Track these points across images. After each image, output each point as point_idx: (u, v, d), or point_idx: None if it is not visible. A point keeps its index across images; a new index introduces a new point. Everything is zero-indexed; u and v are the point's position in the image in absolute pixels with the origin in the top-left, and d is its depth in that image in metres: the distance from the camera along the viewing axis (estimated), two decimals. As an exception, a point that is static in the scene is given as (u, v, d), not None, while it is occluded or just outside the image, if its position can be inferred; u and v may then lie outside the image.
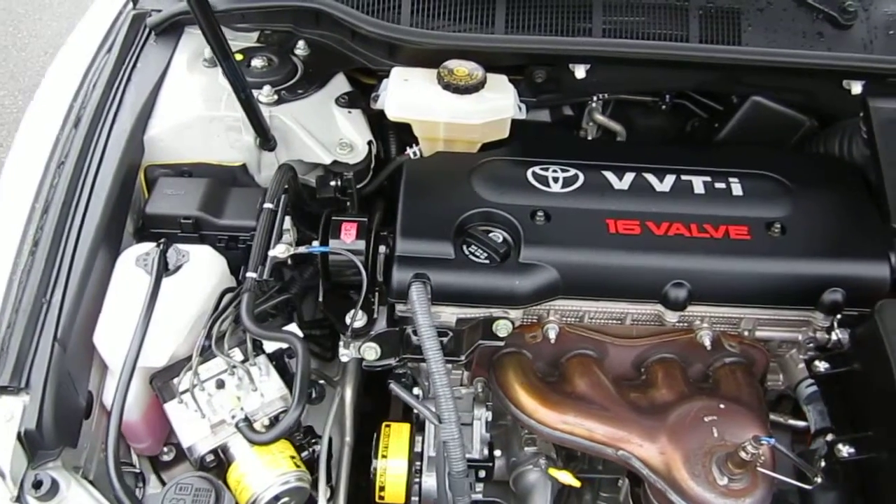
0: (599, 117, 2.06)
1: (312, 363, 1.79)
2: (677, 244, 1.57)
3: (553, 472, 1.52)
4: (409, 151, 1.78)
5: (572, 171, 1.67)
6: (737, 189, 1.66)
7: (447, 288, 1.52)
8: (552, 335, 1.59)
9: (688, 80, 1.89)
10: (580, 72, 1.79)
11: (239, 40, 1.85)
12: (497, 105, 1.68)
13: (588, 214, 1.60)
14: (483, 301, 1.54)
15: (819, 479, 1.39)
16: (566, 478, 1.51)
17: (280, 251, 1.47)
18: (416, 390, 1.70)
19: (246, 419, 1.39)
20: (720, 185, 1.67)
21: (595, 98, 2.00)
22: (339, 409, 1.73)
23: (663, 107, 2.04)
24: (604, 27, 1.78)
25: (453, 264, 1.53)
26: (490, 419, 1.69)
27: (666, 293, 1.55)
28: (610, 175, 1.67)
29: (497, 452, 1.63)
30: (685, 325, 1.64)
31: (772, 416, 1.73)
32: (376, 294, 1.58)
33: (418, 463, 1.63)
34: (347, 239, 1.54)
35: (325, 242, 1.53)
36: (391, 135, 1.84)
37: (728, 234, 1.59)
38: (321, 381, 1.65)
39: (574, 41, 1.77)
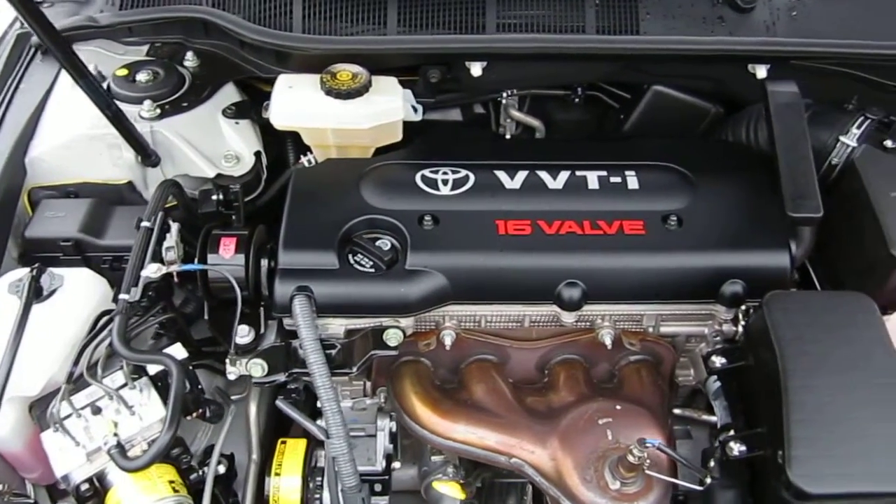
0: (516, 113, 2.02)
1: (218, 381, 1.76)
2: (569, 242, 1.53)
3: (437, 484, 1.48)
4: (304, 160, 1.74)
5: (463, 173, 1.63)
6: (633, 182, 1.62)
7: (332, 299, 1.48)
8: (448, 341, 1.55)
9: (589, 73, 1.85)
10: (476, 69, 1.75)
11: (130, 54, 1.82)
12: (384, 108, 1.64)
13: (477, 216, 1.56)
14: (369, 311, 1.50)
15: (709, 480, 1.35)
16: (447, 490, 1.47)
17: (152, 271, 1.43)
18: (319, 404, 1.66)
19: (118, 445, 1.35)
20: (616, 180, 1.62)
21: (506, 94, 1.96)
22: (245, 427, 1.70)
23: (576, 100, 2.00)
24: (498, 22, 1.74)
25: (337, 275, 1.49)
26: (394, 429, 1.65)
27: (559, 293, 1.51)
28: (502, 174, 1.62)
29: (396, 465, 1.59)
30: (587, 324, 1.60)
31: (687, 412, 1.69)
32: (262, 309, 1.54)
33: (319, 478, 1.59)
34: (226, 254, 1.50)
35: (202, 258, 1.50)
36: (289, 143, 1.81)
37: (622, 230, 1.55)
38: (218, 400, 1.62)
39: (467, 38, 1.73)
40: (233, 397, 1.71)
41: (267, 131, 1.78)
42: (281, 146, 1.83)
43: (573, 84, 1.94)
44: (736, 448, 1.35)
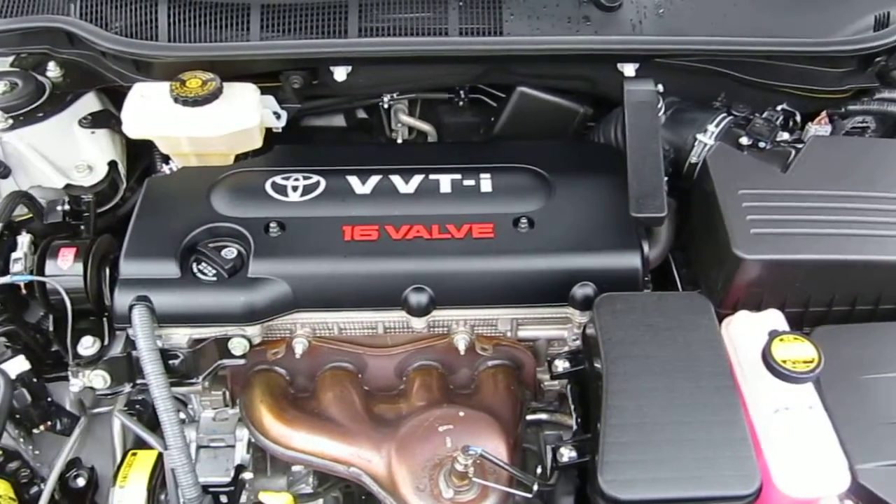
0: (405, 118, 2.00)
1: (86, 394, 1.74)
2: (416, 247, 1.51)
3: (262, 495, 1.46)
4: (166, 168, 1.73)
5: (314, 178, 1.61)
6: (486, 185, 1.60)
7: (173, 309, 1.46)
8: (299, 349, 1.54)
9: (456, 75, 1.83)
10: (340, 74, 1.73)
11: (-4, 66, 1.81)
12: (237, 114, 1.62)
13: (324, 222, 1.54)
14: (211, 320, 1.48)
15: (536, 487, 1.32)
16: (271, 500, 1.44)
17: (-20, 283, 1.43)
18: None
19: (-60, 462, 1.34)
20: (469, 183, 1.61)
21: (387, 99, 1.94)
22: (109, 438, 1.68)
23: (461, 103, 1.99)
24: (361, 26, 1.71)
25: (178, 284, 1.47)
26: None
27: (406, 298, 1.49)
28: (354, 179, 1.61)
29: (247, 475, 1.57)
30: (444, 329, 1.58)
31: (555, 417, 1.67)
32: (106, 319, 1.53)
33: (172, 490, 1.57)
34: (64, 265, 1.48)
35: (40, 269, 1.48)
36: (156, 152, 1.79)
37: (470, 233, 1.53)
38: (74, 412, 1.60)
39: (327, 43, 1.70)
40: (98, 410, 1.71)
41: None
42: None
43: (445, 87, 1.92)
44: (566, 454, 1.33)
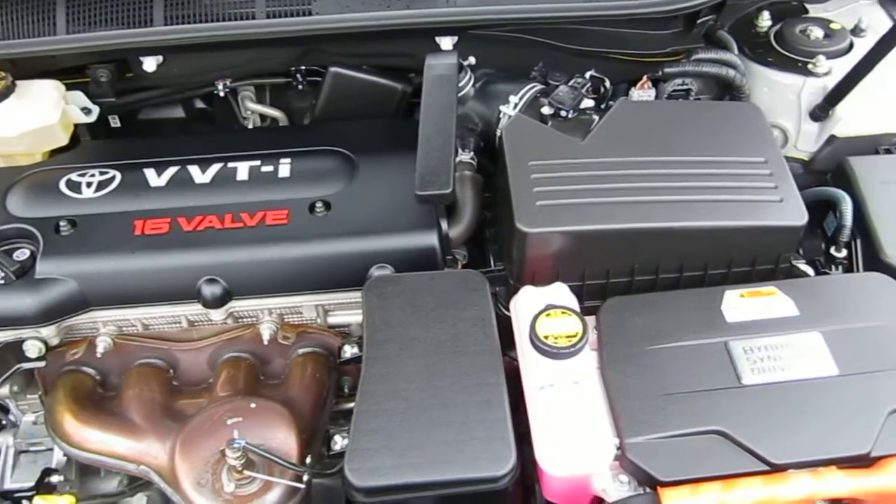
0: (253, 105, 1.96)
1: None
2: (207, 238, 1.48)
3: (38, 499, 1.44)
4: (-23, 171, 1.70)
5: (111, 173, 1.58)
6: (284, 171, 1.57)
7: (-40, 315, 1.45)
8: (101, 348, 1.51)
9: (272, 59, 1.79)
10: (150, 64, 1.70)
11: None
12: (31, 113, 1.59)
13: (116, 218, 1.51)
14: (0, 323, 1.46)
15: (306, 478, 1.30)
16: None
17: None
18: None
19: None
20: (267, 169, 1.58)
21: (222, 86, 1.90)
22: None
23: (300, 87, 1.94)
24: (167, 14, 1.67)
25: None
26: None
27: (200, 290, 1.46)
28: (150, 172, 1.58)
29: (56, 478, 1.54)
30: (252, 319, 1.55)
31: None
32: None
33: (-12, 495, 1.56)
34: None
35: None
36: None
37: (264, 221, 1.50)
38: None
39: (131, 33, 1.66)
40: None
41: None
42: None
43: (282, 71, 1.88)
44: (339, 442, 1.30)
